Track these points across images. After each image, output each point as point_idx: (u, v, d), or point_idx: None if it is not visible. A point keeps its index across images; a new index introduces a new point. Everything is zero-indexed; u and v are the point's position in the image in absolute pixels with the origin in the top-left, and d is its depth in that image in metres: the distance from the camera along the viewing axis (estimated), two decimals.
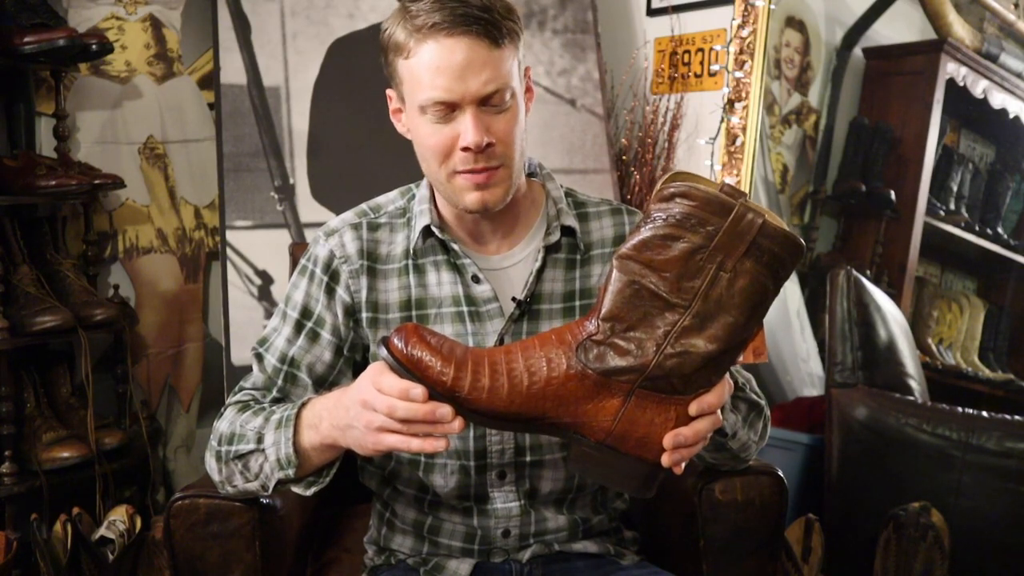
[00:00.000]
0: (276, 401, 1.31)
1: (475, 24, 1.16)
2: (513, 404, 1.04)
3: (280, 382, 1.31)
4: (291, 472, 1.21)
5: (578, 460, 1.08)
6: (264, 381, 1.32)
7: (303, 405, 1.21)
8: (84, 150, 2.46)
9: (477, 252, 1.32)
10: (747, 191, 2.30)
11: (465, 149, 1.19)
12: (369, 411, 1.08)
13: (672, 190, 1.02)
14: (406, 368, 1.04)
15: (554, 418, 1.05)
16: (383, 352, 1.06)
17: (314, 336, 1.31)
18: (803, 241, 1.03)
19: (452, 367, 1.04)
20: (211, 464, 1.29)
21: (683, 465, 1.07)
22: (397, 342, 1.05)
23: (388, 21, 1.22)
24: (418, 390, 1.04)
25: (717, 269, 1.01)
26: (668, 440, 1.04)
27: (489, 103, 1.19)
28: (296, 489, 1.25)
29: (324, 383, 1.32)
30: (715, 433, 1.17)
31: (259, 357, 1.33)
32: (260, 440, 1.22)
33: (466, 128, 1.18)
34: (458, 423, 1.05)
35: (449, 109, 1.19)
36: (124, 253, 2.54)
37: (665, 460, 1.05)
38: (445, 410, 1.04)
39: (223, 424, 1.28)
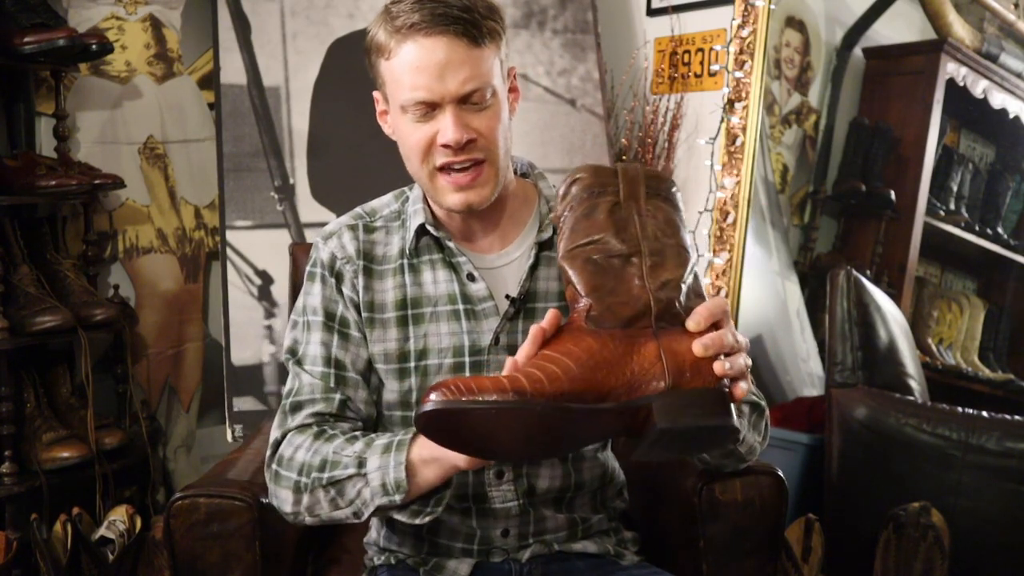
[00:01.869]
0: (342, 407, 1.28)
1: (454, 24, 1.17)
2: (575, 381, 1.03)
3: (333, 384, 1.29)
4: (396, 498, 1.17)
5: (667, 415, 1.04)
6: (322, 388, 1.29)
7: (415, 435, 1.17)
8: (84, 150, 2.46)
9: (472, 251, 1.32)
10: (747, 191, 2.31)
11: (445, 146, 1.20)
12: None
13: (563, 185, 1.15)
14: (458, 397, 1.00)
15: (617, 387, 1.05)
16: (426, 407, 1.01)
17: (345, 335, 1.31)
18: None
19: (497, 379, 1.02)
20: (286, 497, 1.24)
21: (742, 386, 1.07)
22: (433, 395, 1.01)
23: (372, 23, 1.24)
24: None
25: (637, 214, 1.12)
26: (697, 348, 1.05)
27: (469, 101, 1.20)
28: (400, 517, 1.20)
29: (366, 379, 1.31)
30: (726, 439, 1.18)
31: (299, 363, 1.31)
32: (361, 464, 1.18)
33: (446, 126, 1.19)
34: None
35: (429, 108, 1.20)
36: (124, 253, 2.54)
37: (717, 369, 1.05)
38: None
39: (300, 453, 1.23)
